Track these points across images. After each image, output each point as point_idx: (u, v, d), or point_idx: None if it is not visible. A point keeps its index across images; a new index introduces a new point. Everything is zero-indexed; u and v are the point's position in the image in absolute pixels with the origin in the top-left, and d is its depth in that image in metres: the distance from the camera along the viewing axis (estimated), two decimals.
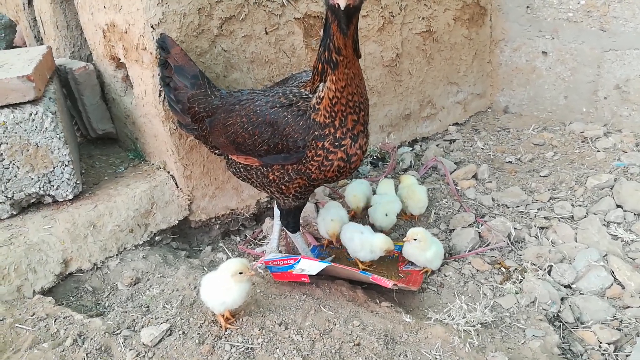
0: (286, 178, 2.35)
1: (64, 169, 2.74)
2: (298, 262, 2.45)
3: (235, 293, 2.18)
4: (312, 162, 2.23)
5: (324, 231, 2.94)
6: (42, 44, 4.18)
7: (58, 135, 2.68)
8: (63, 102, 3.18)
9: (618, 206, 3.07)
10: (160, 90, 2.71)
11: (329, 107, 2.14)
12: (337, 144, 2.18)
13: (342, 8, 1.84)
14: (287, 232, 2.75)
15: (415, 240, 2.66)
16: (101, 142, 3.64)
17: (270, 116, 2.25)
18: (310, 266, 2.41)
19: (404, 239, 2.71)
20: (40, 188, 2.72)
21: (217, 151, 2.66)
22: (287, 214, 2.62)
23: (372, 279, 2.40)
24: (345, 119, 2.16)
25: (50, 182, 2.73)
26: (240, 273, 2.19)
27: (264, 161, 2.36)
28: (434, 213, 3.26)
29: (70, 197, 2.81)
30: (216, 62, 2.86)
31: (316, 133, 2.18)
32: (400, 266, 2.80)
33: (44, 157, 2.68)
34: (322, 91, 2.14)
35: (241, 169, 2.51)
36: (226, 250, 3.09)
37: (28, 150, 2.63)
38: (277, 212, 2.83)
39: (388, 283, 2.35)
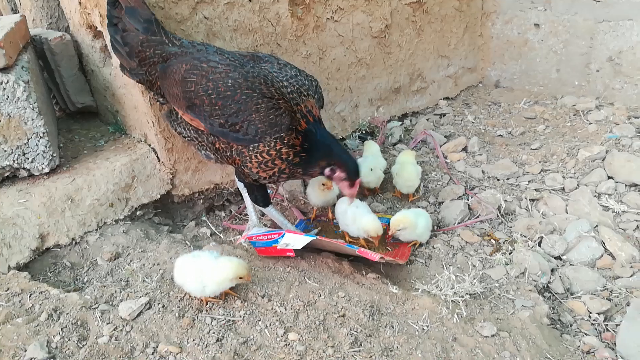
0: (228, 153, 2.34)
1: (38, 140, 2.63)
2: (282, 236, 2.38)
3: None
4: (255, 155, 2.25)
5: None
6: None
7: (31, 106, 2.57)
8: (38, 73, 3.05)
9: (609, 177, 3.02)
10: None
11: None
12: (275, 162, 2.27)
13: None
14: (259, 207, 2.68)
15: (399, 230, 2.60)
16: (81, 116, 3.52)
17: (241, 96, 2.19)
18: (295, 240, 2.35)
19: (390, 232, 2.63)
20: (14, 161, 2.61)
21: (161, 99, 2.56)
22: (250, 189, 2.61)
23: (359, 252, 2.34)
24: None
25: (24, 154, 2.62)
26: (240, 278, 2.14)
27: (210, 131, 2.31)
28: (423, 186, 3.19)
29: (47, 170, 2.71)
30: (197, 30, 2.75)
31: (282, 134, 2.21)
32: (388, 238, 2.74)
33: (16, 128, 2.56)
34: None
35: (191, 130, 2.44)
36: (210, 225, 3.01)
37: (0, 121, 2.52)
38: (239, 183, 2.74)
39: (375, 256, 2.29)
